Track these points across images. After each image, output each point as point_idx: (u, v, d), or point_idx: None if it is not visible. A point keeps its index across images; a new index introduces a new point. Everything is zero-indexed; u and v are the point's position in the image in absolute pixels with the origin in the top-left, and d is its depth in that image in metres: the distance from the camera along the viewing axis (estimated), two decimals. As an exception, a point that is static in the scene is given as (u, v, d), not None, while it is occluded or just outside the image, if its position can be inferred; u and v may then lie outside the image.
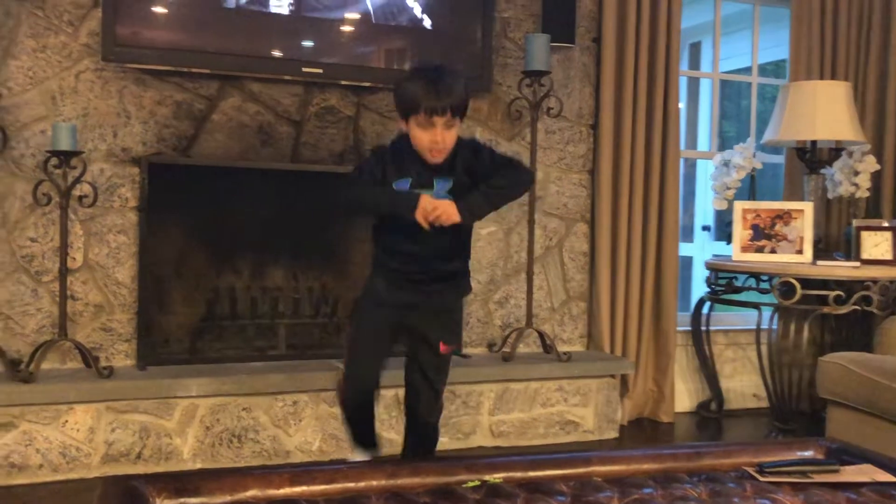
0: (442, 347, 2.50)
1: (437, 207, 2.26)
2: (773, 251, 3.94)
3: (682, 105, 4.32)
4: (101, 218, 3.35)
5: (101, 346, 3.36)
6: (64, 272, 3.19)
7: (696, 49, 5.15)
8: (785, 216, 3.93)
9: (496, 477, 1.91)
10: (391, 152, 2.41)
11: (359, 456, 2.61)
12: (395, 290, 2.45)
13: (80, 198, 3.23)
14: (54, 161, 3.15)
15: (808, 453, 2.18)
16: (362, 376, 2.51)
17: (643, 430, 4.00)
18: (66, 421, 3.06)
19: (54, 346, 3.23)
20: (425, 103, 2.25)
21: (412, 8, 3.63)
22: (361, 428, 2.60)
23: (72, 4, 3.27)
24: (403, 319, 2.48)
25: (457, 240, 2.45)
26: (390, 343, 2.53)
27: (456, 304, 2.57)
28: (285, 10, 3.45)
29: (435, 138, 2.28)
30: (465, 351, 3.80)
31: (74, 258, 3.31)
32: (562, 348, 3.88)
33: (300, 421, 3.33)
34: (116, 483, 1.78)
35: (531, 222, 3.82)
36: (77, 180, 3.18)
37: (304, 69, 3.48)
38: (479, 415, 3.59)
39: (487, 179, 2.35)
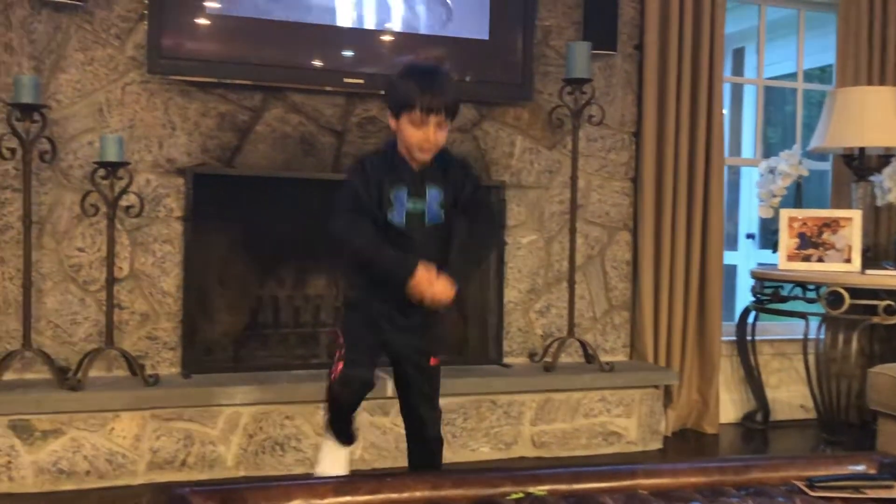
0: (432, 361, 2.48)
1: (432, 285, 2.24)
2: (820, 260, 3.87)
3: (725, 111, 4.27)
4: (146, 228, 3.39)
5: (146, 354, 3.40)
6: (111, 281, 3.24)
7: (739, 55, 5.09)
8: (833, 224, 3.86)
9: (541, 489, 1.90)
10: (381, 161, 2.36)
11: (332, 452, 2.54)
12: (382, 308, 2.39)
13: (127, 208, 3.27)
14: (101, 172, 3.20)
15: (860, 467, 2.13)
16: (362, 375, 2.43)
17: (687, 442, 3.95)
18: (113, 428, 3.10)
19: (101, 355, 3.28)
20: (421, 101, 2.25)
21: (452, 17, 3.63)
22: (347, 425, 2.54)
23: (119, 18, 3.33)
24: (388, 336, 2.42)
25: (443, 251, 2.41)
26: (381, 349, 2.48)
27: (438, 316, 2.50)
28: (327, 22, 3.47)
29: (427, 136, 2.27)
30: (507, 360, 3.79)
31: (121, 268, 3.36)
32: (604, 358, 3.85)
33: (342, 430, 3.34)
34: (163, 491, 1.79)
35: (572, 231, 3.80)
36: (124, 191, 3.23)
37: (346, 80, 3.50)
38: (521, 425, 3.57)
39: (465, 211, 2.38)
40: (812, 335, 3.79)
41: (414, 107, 2.26)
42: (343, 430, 2.54)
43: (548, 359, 3.75)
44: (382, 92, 2.36)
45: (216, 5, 3.33)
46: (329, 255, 3.72)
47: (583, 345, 3.83)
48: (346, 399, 2.47)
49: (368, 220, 2.31)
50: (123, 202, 3.26)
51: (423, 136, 2.27)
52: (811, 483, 1.99)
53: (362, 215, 2.31)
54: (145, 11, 3.25)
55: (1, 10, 3.19)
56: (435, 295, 2.26)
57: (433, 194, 2.33)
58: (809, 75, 4.88)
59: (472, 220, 2.41)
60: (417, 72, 2.32)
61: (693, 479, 2.03)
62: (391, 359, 2.51)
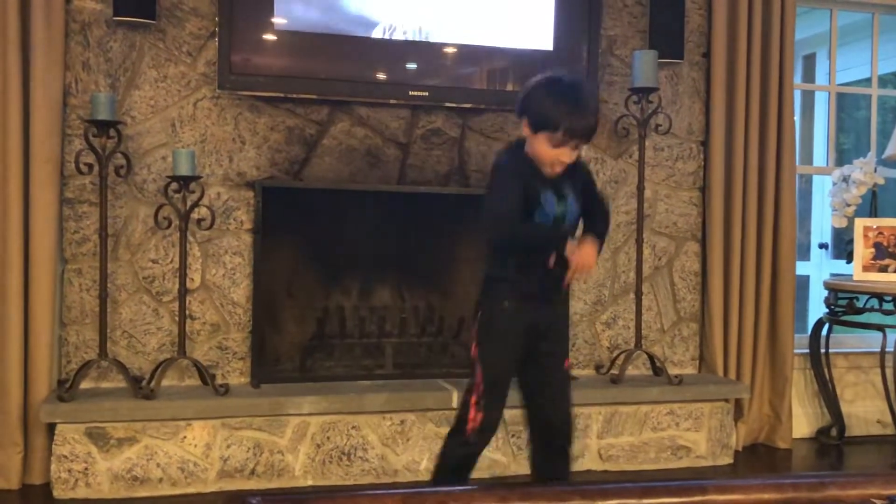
0: (566, 363, 2.49)
1: (590, 256, 2.33)
2: (897, 270, 3.76)
3: (796, 119, 4.18)
4: (217, 240, 3.46)
5: (217, 363, 3.46)
6: (183, 292, 3.32)
7: (810, 61, 4.97)
8: (910, 234, 3.75)
9: (609, 504, 1.87)
10: (522, 161, 2.35)
11: None
12: (527, 309, 2.38)
13: (199, 221, 3.35)
14: (174, 186, 3.28)
15: (943, 486, 2.05)
16: (497, 419, 2.39)
17: (759, 457, 3.86)
18: (185, 437, 3.17)
19: (173, 364, 3.35)
20: (566, 125, 2.22)
21: (516, 28, 3.63)
22: (467, 477, 2.41)
23: (190, 35, 3.41)
24: (531, 341, 2.41)
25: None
26: (522, 351, 2.44)
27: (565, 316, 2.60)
28: (391, 36, 3.50)
29: (562, 158, 2.28)
30: (573, 372, 3.75)
31: (193, 279, 3.43)
32: (672, 371, 3.79)
33: (407, 440, 3.35)
34: (234, 500, 1.82)
35: (639, 241, 3.75)
36: (195, 204, 3.30)
37: (411, 92, 3.53)
38: (588, 438, 3.54)
39: (588, 211, 2.44)
40: (890, 348, 3.68)
41: (558, 130, 2.23)
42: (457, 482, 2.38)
43: (614, 371, 3.70)
44: (520, 99, 2.32)
45: (284, 21, 3.39)
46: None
47: (650, 357, 3.78)
48: (480, 448, 2.38)
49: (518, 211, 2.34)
50: (195, 215, 3.33)
51: (557, 156, 2.28)
52: (892, 501, 1.93)
53: (518, 207, 2.31)
54: (216, 29, 3.33)
55: (78, 30, 3.30)
56: (582, 258, 2.30)
57: (571, 199, 2.37)
58: (883, 80, 4.75)
59: (593, 209, 2.47)
60: (563, 91, 2.28)
61: (766, 496, 1.98)
62: (532, 345, 2.41)
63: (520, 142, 2.38)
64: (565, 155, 2.26)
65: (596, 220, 2.48)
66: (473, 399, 2.36)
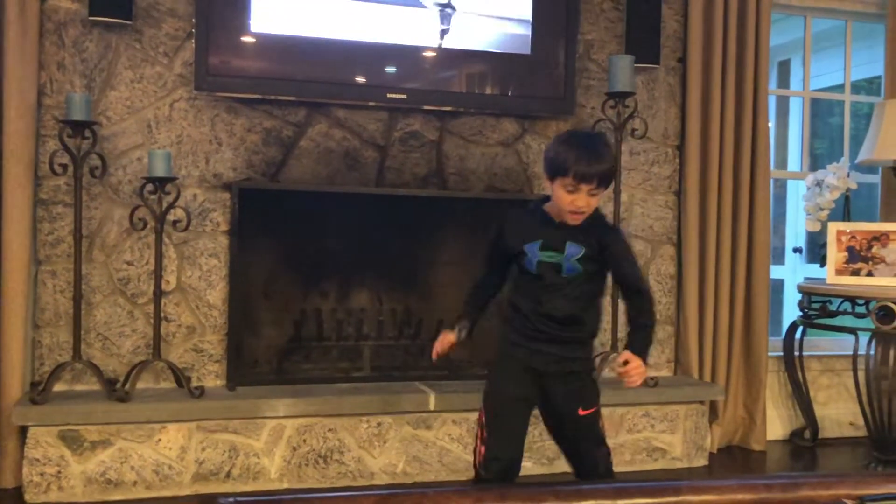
0: (580, 412, 2.45)
1: (636, 369, 2.35)
2: (869, 274, 3.80)
3: (770, 124, 4.22)
4: (193, 242, 3.44)
5: (192, 366, 3.44)
6: (158, 294, 3.30)
7: (784, 67, 5.03)
8: (882, 238, 3.79)
9: (584, 504, 1.88)
10: (523, 215, 2.47)
11: None
12: (523, 352, 2.42)
13: (174, 222, 3.33)
14: (150, 187, 3.26)
15: (913, 486, 2.08)
16: (503, 454, 2.42)
17: (734, 459, 3.89)
18: (160, 439, 3.15)
19: (148, 367, 3.33)
20: (575, 168, 2.27)
21: (494, 32, 3.65)
22: None
23: (167, 36, 3.40)
24: (536, 389, 2.43)
25: (575, 307, 2.41)
26: (527, 413, 2.48)
27: (585, 365, 2.51)
28: (369, 38, 3.50)
29: (578, 203, 2.30)
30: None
31: (168, 281, 3.41)
32: (648, 373, 3.80)
33: (384, 443, 3.35)
34: (208, 502, 1.81)
35: (616, 245, 3.77)
36: (171, 205, 3.28)
37: (389, 95, 3.53)
38: (564, 440, 3.54)
39: (616, 270, 2.44)
40: (862, 351, 3.72)
41: (569, 174, 2.28)
42: None
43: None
44: (544, 157, 2.42)
45: (261, 23, 3.38)
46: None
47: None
48: (495, 479, 2.43)
49: (488, 272, 2.56)
50: (171, 216, 3.31)
51: (573, 201, 2.30)
52: (862, 502, 1.95)
53: (486, 268, 2.56)
54: (193, 30, 3.32)
55: (53, 29, 3.28)
56: (629, 375, 2.36)
57: (572, 249, 2.36)
58: (856, 87, 4.81)
59: (634, 302, 2.46)
60: (576, 138, 2.38)
61: (740, 497, 1.99)
62: (542, 390, 2.45)
63: (545, 197, 2.46)
64: (581, 200, 2.30)
65: (640, 309, 2.45)
66: (478, 433, 2.48)
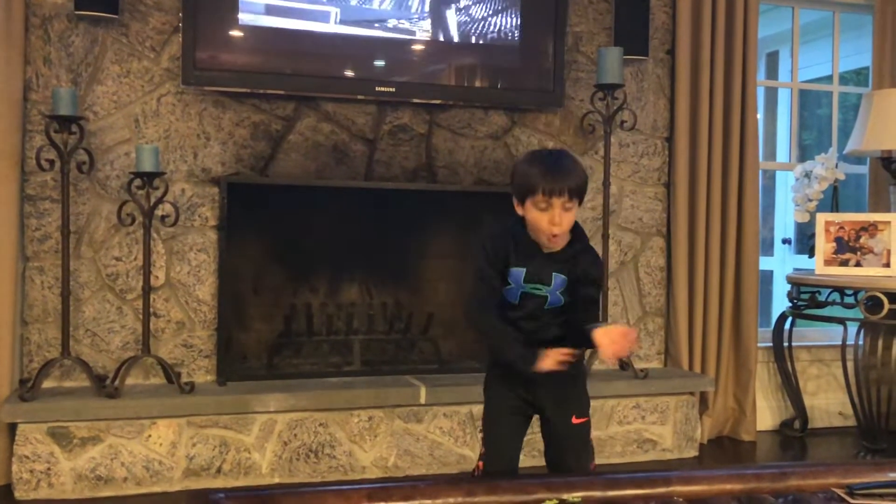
0: (574, 420, 2.37)
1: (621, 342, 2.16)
2: (858, 265, 3.82)
3: (759, 115, 4.23)
4: (182, 237, 3.43)
5: (182, 361, 3.43)
6: (147, 290, 3.28)
7: (773, 58, 5.03)
8: (870, 228, 3.81)
9: (575, 496, 1.88)
10: (505, 235, 2.30)
11: None
12: (512, 377, 2.31)
13: (163, 217, 3.32)
14: (138, 182, 3.24)
15: (901, 475, 2.09)
16: (501, 460, 2.37)
17: (724, 449, 3.91)
18: (150, 435, 3.14)
19: (138, 363, 3.32)
20: (543, 184, 2.18)
21: (483, 25, 3.64)
22: None
23: (154, 31, 3.38)
24: (528, 397, 2.35)
25: (561, 329, 2.30)
26: (523, 417, 2.40)
27: (578, 370, 2.39)
28: (358, 31, 3.49)
29: (553, 220, 2.18)
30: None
31: (157, 276, 3.40)
32: (638, 365, 3.82)
33: (375, 436, 3.35)
34: (198, 498, 1.81)
35: (605, 237, 3.77)
36: (159, 200, 3.27)
37: (378, 88, 3.52)
38: (555, 432, 3.55)
39: (584, 291, 2.29)
40: (850, 341, 3.73)
41: (537, 191, 2.18)
42: None
43: (581, 366, 3.72)
44: (512, 184, 2.30)
45: (249, 16, 3.37)
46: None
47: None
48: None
49: (495, 302, 2.29)
50: (159, 212, 3.30)
51: (549, 220, 2.19)
52: (851, 490, 1.96)
53: (490, 298, 2.29)
54: (180, 24, 3.30)
55: (39, 24, 3.26)
56: (615, 342, 2.15)
57: (558, 282, 2.25)
58: (845, 78, 4.82)
59: (590, 312, 2.33)
60: (540, 158, 2.26)
61: (729, 486, 2.00)
62: (537, 413, 2.38)
63: (509, 224, 2.33)
64: (557, 216, 2.18)
65: (590, 313, 2.32)
66: (480, 449, 2.43)
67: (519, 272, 2.26)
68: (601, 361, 3.45)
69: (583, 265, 2.27)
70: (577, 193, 2.22)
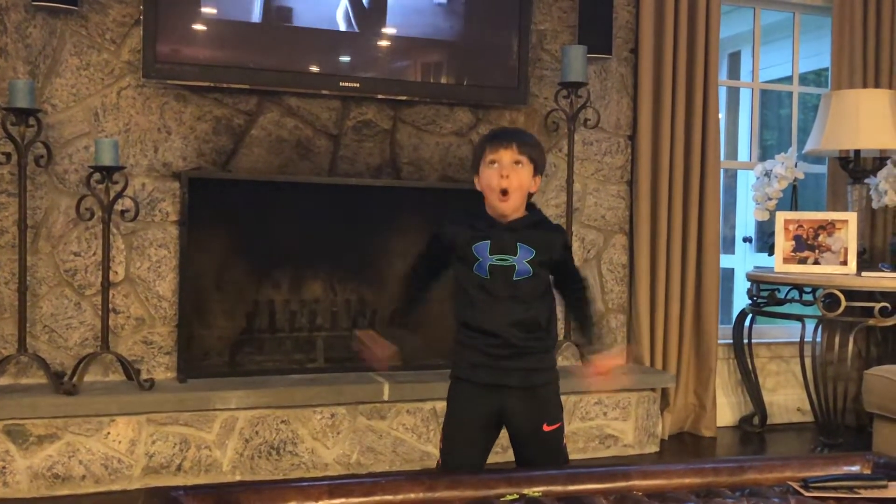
0: (545, 427, 2.31)
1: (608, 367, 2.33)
2: (816, 262, 3.88)
3: (721, 115, 4.28)
4: (142, 232, 3.39)
5: (142, 358, 3.39)
6: (106, 286, 3.24)
7: (735, 58, 5.10)
8: (828, 227, 3.87)
9: (535, 491, 1.89)
10: (465, 216, 2.30)
11: None
12: (480, 370, 2.26)
13: (122, 212, 3.27)
14: (97, 176, 3.20)
15: (855, 468, 2.13)
16: (463, 463, 2.30)
17: (684, 445, 3.95)
18: (109, 433, 3.10)
19: (96, 359, 3.28)
20: (490, 141, 2.24)
21: (448, 21, 3.64)
22: None
23: (114, 23, 3.33)
24: (498, 410, 2.28)
25: (533, 312, 2.26)
26: (490, 431, 2.33)
27: (549, 377, 2.34)
28: (322, 26, 3.47)
29: (502, 172, 2.19)
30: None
31: (116, 272, 3.35)
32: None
33: (338, 434, 3.33)
34: (157, 495, 1.79)
35: (569, 234, 3.80)
36: (119, 195, 3.22)
37: (342, 83, 3.50)
38: (518, 428, 3.56)
39: (564, 286, 2.33)
40: (808, 338, 3.79)
41: (485, 149, 2.23)
42: None
43: (544, 362, 3.73)
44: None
45: (211, 10, 3.34)
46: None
47: (578, 347, 3.82)
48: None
49: (423, 271, 2.40)
50: (119, 206, 3.26)
51: (498, 174, 2.19)
52: (806, 484, 1.99)
53: (420, 266, 2.41)
54: (140, 17, 3.26)
55: (-4, 14, 3.20)
56: (600, 372, 2.36)
57: (524, 252, 2.22)
58: (804, 79, 4.89)
59: (577, 295, 2.36)
60: (491, 130, 2.39)
61: (688, 481, 2.03)
62: (506, 423, 2.32)
63: (480, 200, 2.33)
64: (505, 169, 2.19)
65: (584, 302, 2.35)
66: (438, 461, 2.40)
67: (483, 245, 2.23)
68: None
69: (545, 230, 2.29)
70: (527, 150, 2.23)
